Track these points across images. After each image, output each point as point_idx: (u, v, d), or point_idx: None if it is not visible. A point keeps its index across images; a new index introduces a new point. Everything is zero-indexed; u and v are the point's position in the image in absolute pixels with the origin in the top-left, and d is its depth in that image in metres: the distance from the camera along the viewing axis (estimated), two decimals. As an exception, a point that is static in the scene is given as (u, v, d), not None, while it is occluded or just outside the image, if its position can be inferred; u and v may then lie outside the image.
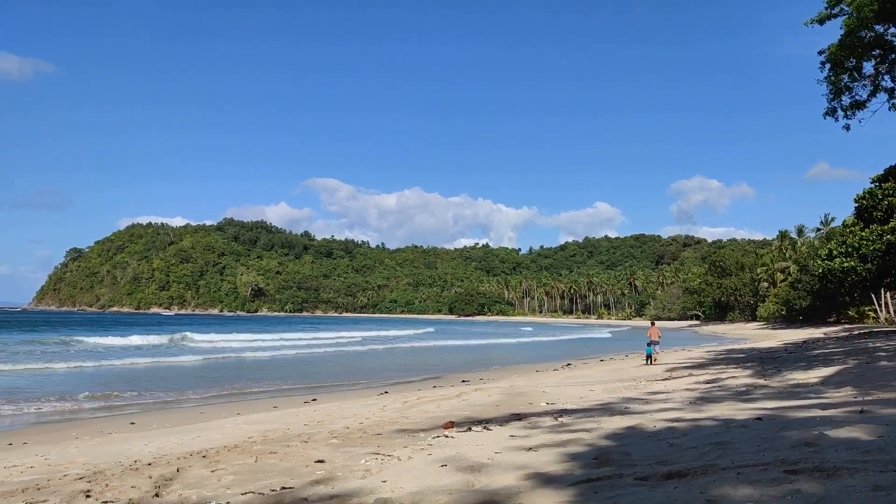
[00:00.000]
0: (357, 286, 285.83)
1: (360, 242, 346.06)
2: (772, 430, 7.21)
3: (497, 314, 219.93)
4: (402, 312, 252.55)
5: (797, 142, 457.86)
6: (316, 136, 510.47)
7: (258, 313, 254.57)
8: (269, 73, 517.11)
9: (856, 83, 26.19)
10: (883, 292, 61.96)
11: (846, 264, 42.53)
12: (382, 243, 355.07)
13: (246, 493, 6.00)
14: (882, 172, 43.07)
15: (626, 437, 7.78)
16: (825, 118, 26.67)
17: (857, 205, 44.25)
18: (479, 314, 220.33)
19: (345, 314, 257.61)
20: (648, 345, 28.14)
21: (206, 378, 24.71)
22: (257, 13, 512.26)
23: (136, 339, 47.50)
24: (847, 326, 63.18)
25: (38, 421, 15.48)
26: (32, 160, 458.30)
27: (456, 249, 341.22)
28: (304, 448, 8.65)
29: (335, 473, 6.69)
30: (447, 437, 9.00)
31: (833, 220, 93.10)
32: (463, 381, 22.59)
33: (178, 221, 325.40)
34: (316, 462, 7.51)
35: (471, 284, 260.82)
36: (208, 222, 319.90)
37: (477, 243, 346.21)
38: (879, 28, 24.72)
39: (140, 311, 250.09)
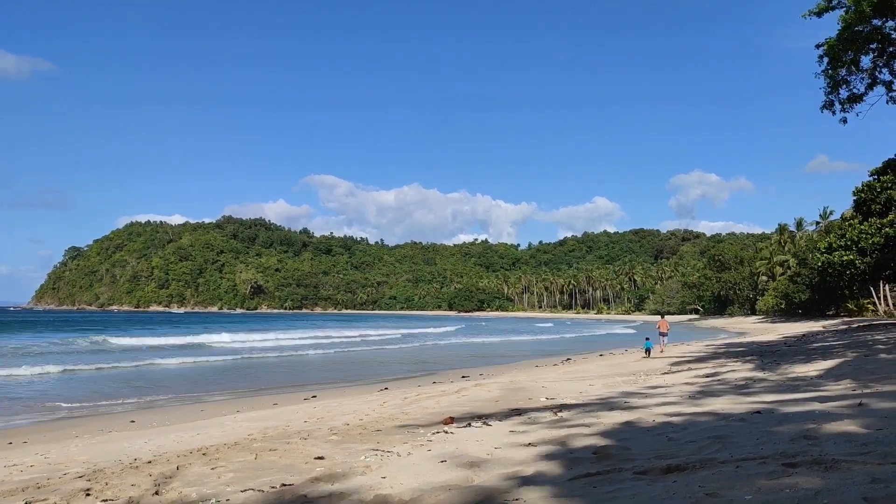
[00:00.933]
0: (356, 283, 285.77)
1: (359, 239, 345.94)
2: (771, 424, 7.23)
3: (496, 310, 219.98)
4: (402, 309, 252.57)
5: (796, 135, 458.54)
6: (314, 133, 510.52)
7: (258, 311, 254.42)
8: (267, 71, 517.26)
9: (853, 76, 26.14)
10: (882, 285, 62.02)
11: (845, 257, 42.56)
12: (381, 240, 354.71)
13: (246, 491, 6.01)
14: (881, 165, 43.09)
15: (625, 431, 7.79)
16: (822, 112, 26.64)
17: (855, 198, 44.27)
18: (478, 310, 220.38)
19: (344, 311, 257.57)
20: (648, 339, 28.61)
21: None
22: (255, 12, 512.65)
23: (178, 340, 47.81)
24: (846, 319, 63.24)
25: (36, 420, 15.49)
26: (31, 160, 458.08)
27: (455, 245, 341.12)
28: (304, 445, 8.65)
29: (335, 470, 6.69)
30: (447, 432, 9.02)
31: (832, 213, 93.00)
32: (463, 377, 22.62)
33: (176, 219, 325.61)
34: (316, 459, 7.52)
35: (470, 280, 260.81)
36: (207, 220, 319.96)
37: (476, 239, 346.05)
38: (877, 21, 24.67)
39: (140, 309, 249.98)
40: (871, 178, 43.46)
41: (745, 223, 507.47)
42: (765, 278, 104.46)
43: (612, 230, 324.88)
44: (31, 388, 20.98)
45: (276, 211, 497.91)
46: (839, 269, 43.83)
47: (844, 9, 24.49)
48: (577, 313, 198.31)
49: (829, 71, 26.07)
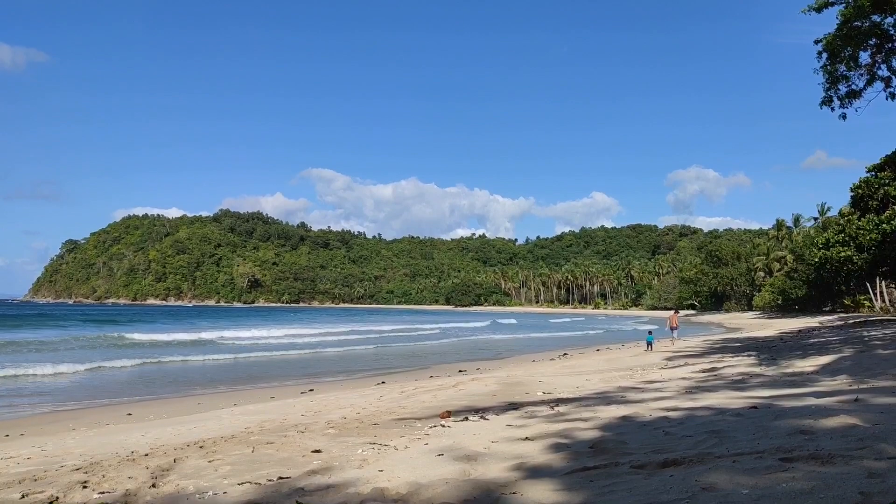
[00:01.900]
0: (354, 277, 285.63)
1: (356, 233, 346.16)
2: (767, 419, 7.24)
3: (494, 304, 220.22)
4: (399, 303, 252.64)
5: (794, 130, 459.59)
6: (312, 126, 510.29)
7: (255, 304, 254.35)
8: (264, 63, 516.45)
9: (852, 72, 26.13)
10: (878, 281, 62.17)
11: (842, 253, 42.64)
12: (379, 234, 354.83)
13: (243, 483, 6.01)
14: (878, 161, 43.09)
15: (622, 426, 7.80)
16: (821, 107, 26.64)
17: (853, 194, 44.31)
18: (475, 304, 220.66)
19: (342, 305, 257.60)
20: (650, 333, 29.12)
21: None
22: (253, 3, 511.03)
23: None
24: (842, 315, 63.39)
25: (34, 413, 15.48)
26: (26, 151, 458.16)
27: (452, 240, 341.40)
28: (301, 438, 8.66)
29: (332, 463, 6.69)
30: (444, 426, 9.02)
31: (829, 209, 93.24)
32: (460, 371, 22.63)
33: (173, 213, 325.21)
34: (313, 452, 7.52)
35: (467, 275, 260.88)
36: (204, 213, 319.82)
37: (473, 234, 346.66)
38: (876, 17, 24.65)
39: (137, 302, 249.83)
40: (868, 174, 43.50)
41: (742, 219, 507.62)
42: (762, 274, 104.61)
43: (609, 225, 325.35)
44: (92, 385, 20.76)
45: (273, 204, 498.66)
46: (836, 265, 43.93)
47: (843, 4, 24.47)
48: (574, 308, 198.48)
49: (828, 66, 26.06)
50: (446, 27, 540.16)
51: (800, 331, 38.65)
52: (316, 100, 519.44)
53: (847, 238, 42.72)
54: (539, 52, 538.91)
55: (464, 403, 12.05)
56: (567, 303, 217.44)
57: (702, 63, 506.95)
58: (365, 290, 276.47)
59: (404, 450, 7.22)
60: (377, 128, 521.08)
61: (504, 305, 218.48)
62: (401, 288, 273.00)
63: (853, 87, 26.19)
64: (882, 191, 41.37)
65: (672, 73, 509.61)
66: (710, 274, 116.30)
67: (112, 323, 66.98)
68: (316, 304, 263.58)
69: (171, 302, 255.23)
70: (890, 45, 25.53)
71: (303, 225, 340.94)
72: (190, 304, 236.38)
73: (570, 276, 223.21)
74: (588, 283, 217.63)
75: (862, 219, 42.27)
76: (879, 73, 25.97)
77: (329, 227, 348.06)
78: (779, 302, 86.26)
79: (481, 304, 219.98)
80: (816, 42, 26.14)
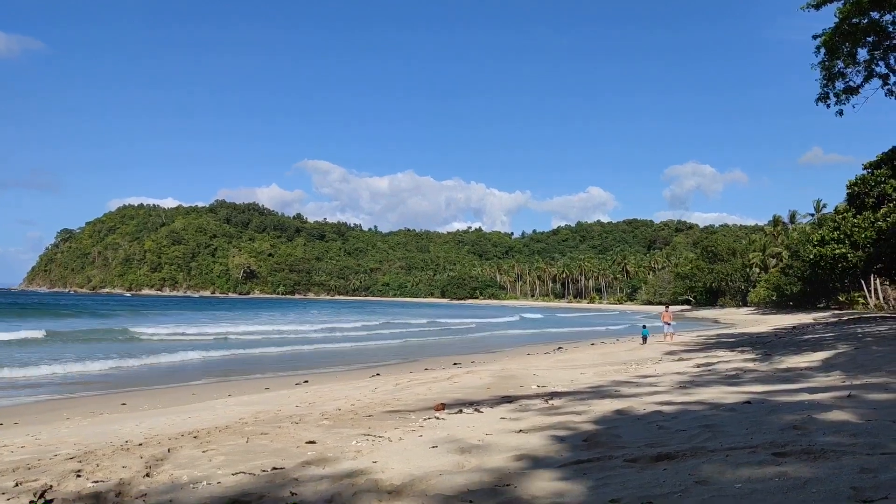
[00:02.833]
0: (349, 269, 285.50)
1: (352, 225, 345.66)
2: (760, 414, 7.26)
3: (489, 298, 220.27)
4: (395, 296, 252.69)
5: (791, 126, 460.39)
6: (308, 118, 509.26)
7: (250, 295, 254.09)
8: (262, 55, 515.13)
9: (850, 69, 26.12)
10: (872, 278, 62.35)
11: (837, 250, 42.78)
12: (375, 226, 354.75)
13: (237, 474, 6.01)
14: (875, 159, 43.18)
15: (616, 419, 7.82)
16: (818, 104, 26.61)
17: (849, 191, 44.41)
18: (471, 298, 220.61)
19: (337, 297, 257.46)
20: (644, 327, 29.52)
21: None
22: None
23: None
24: (837, 312, 63.54)
25: (29, 402, 15.46)
26: (22, 140, 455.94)
27: (448, 233, 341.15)
28: (296, 429, 8.66)
29: (326, 454, 6.70)
30: (438, 418, 9.03)
31: (825, 206, 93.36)
32: (455, 364, 22.65)
33: (169, 203, 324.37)
34: (307, 443, 7.52)
35: (463, 268, 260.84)
36: (200, 204, 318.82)
37: (470, 227, 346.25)
38: (875, 14, 24.64)
39: (132, 292, 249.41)
40: (864, 172, 43.60)
41: (738, 215, 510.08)
42: (757, 270, 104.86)
43: (605, 220, 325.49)
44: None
45: (269, 195, 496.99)
46: (831, 262, 44.09)
47: (842, 1, 24.45)
48: (570, 303, 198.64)
49: (826, 63, 26.03)
50: (444, 21, 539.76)
51: (794, 327, 38.75)
52: (312, 92, 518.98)
53: (842, 235, 42.86)
54: (537, 47, 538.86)
55: (458, 396, 12.07)
56: (562, 297, 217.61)
57: (700, 59, 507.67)
58: (360, 282, 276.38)
59: (398, 441, 7.23)
60: (374, 120, 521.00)
61: (499, 299, 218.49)
62: (396, 281, 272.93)
63: (850, 83, 26.18)
64: (878, 188, 41.48)
65: (670, 69, 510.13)
66: (705, 269, 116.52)
67: (135, 315, 65.33)
68: (311, 295, 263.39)
69: (167, 292, 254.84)
70: (888, 42, 25.52)
71: (299, 216, 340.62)
72: (185, 295, 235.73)
73: (565, 271, 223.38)
74: (583, 277, 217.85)
75: (857, 216, 42.40)
76: (877, 69, 25.96)
77: (325, 218, 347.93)
78: (773, 298, 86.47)
79: (476, 298, 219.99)
80: (815, 38, 26.11)
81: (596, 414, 8.33)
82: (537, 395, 11.42)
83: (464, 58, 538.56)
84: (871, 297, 66.79)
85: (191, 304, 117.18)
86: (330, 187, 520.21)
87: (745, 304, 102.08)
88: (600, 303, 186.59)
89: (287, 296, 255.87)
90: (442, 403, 10.63)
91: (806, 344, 21.42)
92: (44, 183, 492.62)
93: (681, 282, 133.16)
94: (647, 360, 19.96)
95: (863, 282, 65.38)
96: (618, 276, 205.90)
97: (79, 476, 6.32)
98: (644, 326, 29.96)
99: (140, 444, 8.14)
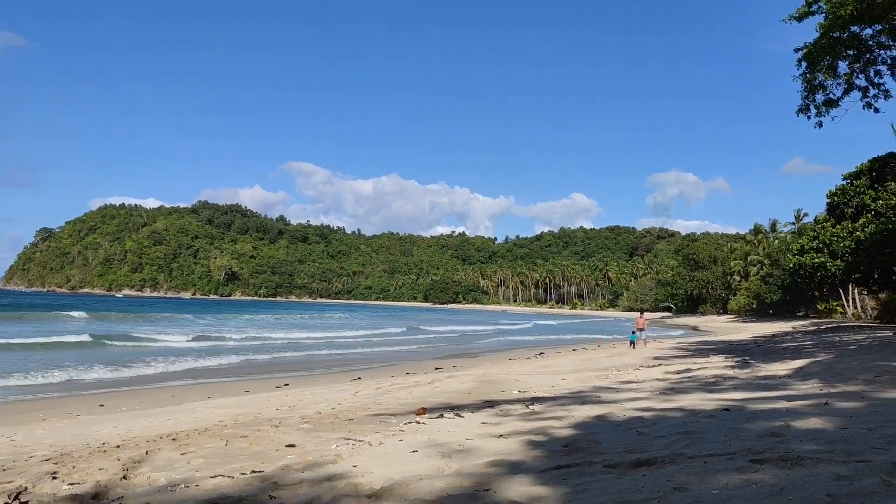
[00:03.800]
0: (332, 272, 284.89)
1: (335, 228, 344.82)
2: (739, 421, 7.32)
3: (472, 303, 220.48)
4: (377, 299, 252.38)
5: (773, 136, 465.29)
6: (292, 119, 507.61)
7: (231, 297, 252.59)
8: (246, 54, 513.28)
9: (830, 81, 26.47)
10: (851, 288, 63.05)
11: (817, 260, 43.21)
12: (358, 229, 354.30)
13: (216, 477, 5.97)
14: (854, 169, 43.73)
15: (596, 425, 7.84)
16: (798, 115, 26.96)
17: (828, 201, 44.92)
18: (453, 302, 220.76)
19: (319, 300, 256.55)
20: (633, 332, 30.26)
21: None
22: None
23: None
24: (815, 321, 64.22)
25: (5, 401, 15.27)
26: (1, 136, 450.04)
27: (432, 237, 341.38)
28: (276, 432, 8.62)
29: (306, 458, 6.67)
30: (419, 423, 9.03)
31: (805, 215, 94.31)
32: (436, 369, 22.65)
33: (151, 203, 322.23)
34: (287, 446, 7.49)
35: (446, 272, 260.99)
36: (182, 205, 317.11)
37: (453, 231, 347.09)
38: (855, 28, 25.00)
39: (111, 292, 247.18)
40: (844, 182, 44.11)
41: (720, 223, 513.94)
42: (738, 278, 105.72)
43: (588, 226, 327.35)
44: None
45: (252, 197, 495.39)
46: (810, 271, 44.51)
47: (823, 15, 24.79)
48: (552, 308, 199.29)
49: (807, 75, 26.38)
50: (430, 23, 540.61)
51: (773, 335, 39.10)
52: (296, 93, 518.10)
53: (821, 245, 43.30)
54: (523, 50, 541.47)
55: (439, 401, 12.06)
56: (544, 302, 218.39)
57: (684, 68, 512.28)
58: (343, 285, 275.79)
59: (379, 445, 7.22)
60: (359, 123, 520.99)
61: (482, 304, 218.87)
62: (379, 284, 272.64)
63: (831, 95, 26.55)
64: (857, 199, 41.99)
65: (655, 76, 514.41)
66: (686, 277, 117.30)
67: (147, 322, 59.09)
68: (293, 298, 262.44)
69: (147, 293, 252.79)
70: (868, 56, 25.90)
71: (281, 218, 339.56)
72: (186, 297, 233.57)
73: (548, 276, 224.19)
74: (566, 283, 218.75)
75: (837, 226, 42.86)
76: (857, 82, 26.35)
77: (308, 221, 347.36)
78: (754, 306, 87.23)
79: (459, 302, 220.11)
80: (797, 50, 26.46)
81: (576, 419, 8.36)
82: (518, 401, 11.44)
83: (450, 60, 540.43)
84: (849, 306, 67.52)
85: (196, 307, 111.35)
86: (314, 189, 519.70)
87: (725, 312, 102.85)
88: (582, 308, 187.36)
89: (269, 298, 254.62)
90: (423, 408, 10.62)
91: (785, 352, 21.63)
92: (22, 180, 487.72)
93: (662, 289, 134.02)
94: (627, 366, 20.05)
95: (841, 291, 66.11)
96: (600, 282, 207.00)
97: (54, 478, 6.25)
98: (633, 332, 30.68)
99: (117, 447, 8.07)
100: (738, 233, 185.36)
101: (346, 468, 5.97)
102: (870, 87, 26.29)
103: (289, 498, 5.11)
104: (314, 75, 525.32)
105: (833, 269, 42.47)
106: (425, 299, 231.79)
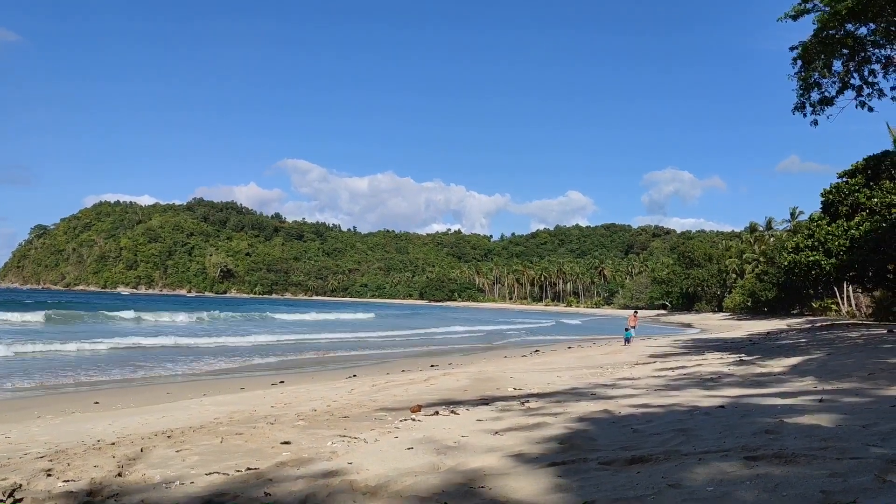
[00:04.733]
0: (328, 269, 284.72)
1: (331, 225, 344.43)
2: (734, 418, 7.34)
3: (467, 300, 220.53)
4: (373, 297, 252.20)
5: (769, 134, 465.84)
6: (287, 116, 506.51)
7: (227, 295, 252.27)
8: (241, 51, 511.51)
9: (825, 80, 26.51)
10: (845, 286, 63.21)
11: (811, 258, 43.31)
12: (354, 227, 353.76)
13: (211, 474, 5.96)
14: (849, 168, 43.86)
15: (592, 422, 7.86)
16: (794, 113, 26.99)
17: (823, 199, 45.01)
18: (449, 300, 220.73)
19: (315, 297, 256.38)
20: (627, 329, 30.88)
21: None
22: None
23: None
24: (810, 318, 64.39)
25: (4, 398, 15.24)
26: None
27: (428, 235, 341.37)
28: (271, 430, 8.61)
29: (301, 455, 6.67)
30: (414, 420, 9.03)
31: (801, 213, 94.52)
32: (432, 366, 22.66)
33: (146, 200, 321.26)
34: (282, 444, 7.49)
35: (442, 270, 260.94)
36: (177, 202, 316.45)
37: (449, 229, 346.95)
38: (850, 26, 25.03)
39: (107, 289, 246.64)
40: (839, 180, 44.22)
41: (715, 221, 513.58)
42: (733, 276, 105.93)
43: (584, 224, 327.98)
44: None
45: (247, 194, 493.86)
46: (805, 269, 44.61)
47: (819, 12, 24.81)
48: (547, 306, 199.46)
49: (802, 73, 26.41)
50: (426, 22, 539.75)
51: (768, 332, 39.19)
52: (291, 90, 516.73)
53: (816, 243, 43.40)
54: (519, 49, 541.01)
55: (435, 398, 12.06)
56: (540, 300, 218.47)
57: (680, 67, 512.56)
58: (339, 282, 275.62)
59: (374, 443, 7.22)
60: (354, 120, 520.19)
61: (478, 301, 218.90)
62: (374, 282, 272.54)
63: (826, 94, 26.58)
64: (852, 197, 42.09)
65: (651, 75, 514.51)
66: (681, 275, 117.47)
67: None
68: (289, 295, 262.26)
69: (143, 290, 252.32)
70: (863, 54, 25.94)
71: (277, 216, 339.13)
72: (190, 295, 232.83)
73: (543, 274, 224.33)
74: (561, 280, 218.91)
75: (832, 224, 42.97)
76: (852, 81, 26.38)
77: (304, 218, 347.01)
78: (749, 304, 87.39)
79: (455, 300, 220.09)
80: (792, 49, 26.49)
81: (572, 416, 8.37)
82: (514, 398, 11.45)
83: (446, 59, 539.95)
84: (843, 304, 67.71)
85: (207, 304, 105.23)
86: (309, 187, 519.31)
87: (720, 310, 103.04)
88: (578, 306, 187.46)
89: (264, 295, 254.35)
90: (418, 405, 10.62)
91: (780, 349, 21.69)
92: (16, 177, 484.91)
93: (657, 286, 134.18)
94: (623, 363, 20.08)
95: (836, 289, 66.28)
96: (595, 279, 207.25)
97: (49, 475, 6.24)
98: (627, 329, 31.04)
99: (112, 444, 8.05)
100: (733, 231, 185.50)
101: (342, 465, 5.97)
102: (864, 86, 26.34)
103: (284, 495, 5.11)
104: (309, 73, 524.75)
105: (828, 267, 42.57)
106: (421, 297, 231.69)
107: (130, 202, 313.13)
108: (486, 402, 11.03)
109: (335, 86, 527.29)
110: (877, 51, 25.83)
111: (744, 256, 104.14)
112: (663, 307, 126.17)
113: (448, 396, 12.26)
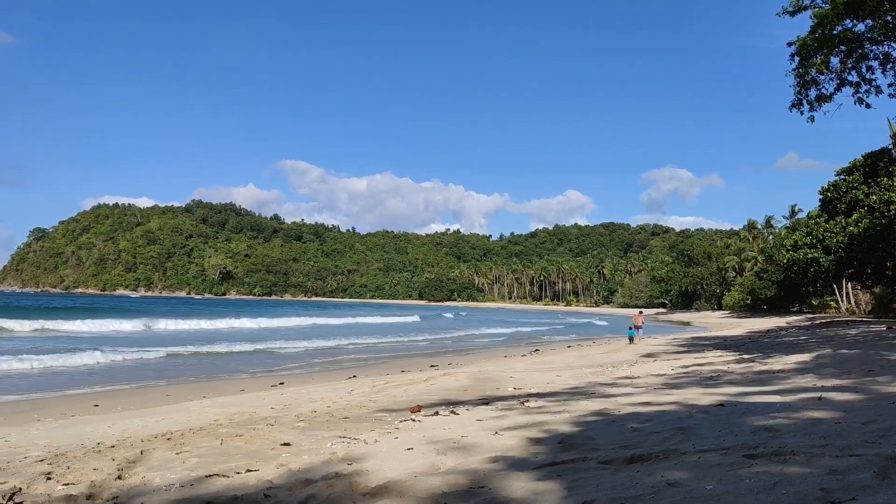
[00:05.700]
0: (327, 270, 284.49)
1: (330, 226, 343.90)
2: (733, 416, 7.34)
3: (467, 300, 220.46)
4: (373, 297, 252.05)
5: (767, 132, 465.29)
6: (285, 117, 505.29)
7: (226, 296, 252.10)
8: (239, 52, 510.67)
9: (823, 76, 26.53)
10: (844, 283, 63.27)
11: (810, 255, 43.39)
12: (353, 227, 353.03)
13: (211, 476, 5.96)
14: (847, 165, 43.89)
15: (591, 421, 7.86)
16: (791, 110, 27.02)
17: (821, 197, 45.09)
18: (448, 300, 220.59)
19: (314, 298, 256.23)
20: (630, 328, 30.89)
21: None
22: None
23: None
24: (809, 316, 64.41)
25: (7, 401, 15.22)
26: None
27: (427, 235, 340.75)
28: (271, 431, 8.61)
29: (301, 457, 6.67)
30: (414, 420, 9.03)
31: (799, 211, 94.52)
32: (432, 366, 22.64)
33: (144, 202, 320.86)
34: (282, 445, 7.49)
35: (441, 270, 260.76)
36: (176, 204, 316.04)
37: (448, 229, 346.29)
38: (848, 22, 25.06)
39: (106, 292, 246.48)
40: (837, 178, 44.29)
41: (714, 219, 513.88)
42: (732, 274, 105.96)
43: (583, 223, 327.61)
44: None
45: (245, 195, 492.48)
46: (804, 267, 44.70)
47: (817, 9, 24.84)
48: (546, 305, 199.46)
49: (800, 70, 26.43)
50: (423, 21, 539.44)
51: (768, 330, 39.22)
52: (289, 91, 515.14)
53: (815, 240, 43.47)
54: (516, 47, 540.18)
55: (435, 398, 12.07)
56: (539, 299, 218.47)
57: (678, 64, 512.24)
58: (338, 283, 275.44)
59: (374, 443, 7.22)
60: (352, 121, 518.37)
61: (477, 301, 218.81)
62: (374, 282, 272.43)
63: (823, 91, 26.60)
64: (850, 194, 42.15)
65: (649, 73, 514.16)
66: (681, 273, 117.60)
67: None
68: (288, 297, 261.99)
69: (142, 293, 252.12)
70: (860, 51, 25.97)
71: (276, 217, 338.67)
72: (198, 297, 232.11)
73: (543, 273, 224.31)
74: (561, 279, 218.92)
75: (830, 222, 43.03)
76: (849, 77, 26.41)
77: (302, 219, 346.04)
78: (748, 302, 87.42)
79: (454, 300, 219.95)
80: (789, 45, 26.51)
81: (571, 416, 8.37)
82: (514, 397, 11.45)
83: (443, 58, 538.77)
84: (842, 301, 67.75)
85: (235, 307, 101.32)
86: (307, 188, 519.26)
87: (720, 308, 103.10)
88: (577, 305, 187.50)
89: (264, 297, 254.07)
90: (418, 405, 10.63)
91: (779, 347, 21.70)
92: (13, 179, 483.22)
93: (657, 285, 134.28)
94: (622, 362, 20.09)
95: (835, 286, 66.34)
96: (594, 278, 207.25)
97: (49, 479, 6.24)
98: (630, 328, 31.14)
99: (112, 447, 8.05)
100: (732, 229, 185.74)
101: (342, 466, 5.97)
102: (861, 83, 26.37)
103: (284, 497, 5.11)
104: (307, 73, 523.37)
105: (826, 265, 42.65)
106: (420, 297, 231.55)
107: (129, 204, 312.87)
108: (486, 401, 11.04)
109: (333, 86, 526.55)
110: (874, 47, 25.87)
111: (743, 254, 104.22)
112: (662, 305, 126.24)
113: (448, 396, 12.26)
